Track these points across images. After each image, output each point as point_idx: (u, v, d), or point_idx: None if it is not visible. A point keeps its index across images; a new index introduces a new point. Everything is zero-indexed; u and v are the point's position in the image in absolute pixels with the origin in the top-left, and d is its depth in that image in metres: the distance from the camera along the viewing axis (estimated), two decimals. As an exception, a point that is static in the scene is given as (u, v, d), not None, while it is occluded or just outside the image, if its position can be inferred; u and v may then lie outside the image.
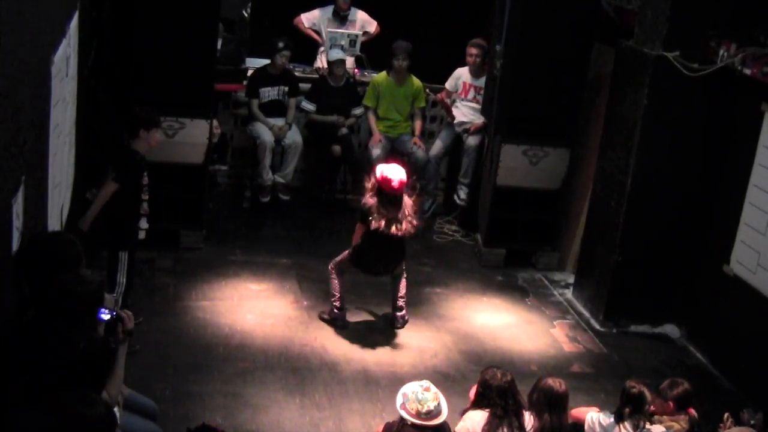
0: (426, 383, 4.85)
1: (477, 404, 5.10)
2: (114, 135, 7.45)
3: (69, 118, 5.74)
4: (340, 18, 10.18)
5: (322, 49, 10.17)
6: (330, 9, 10.22)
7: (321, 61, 10.11)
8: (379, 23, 10.29)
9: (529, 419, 5.14)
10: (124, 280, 6.60)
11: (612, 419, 5.26)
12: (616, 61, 8.03)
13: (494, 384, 5.04)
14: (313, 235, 9.19)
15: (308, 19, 10.27)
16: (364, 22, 10.27)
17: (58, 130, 5.12)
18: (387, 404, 6.25)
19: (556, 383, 5.19)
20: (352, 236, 7.29)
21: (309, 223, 9.44)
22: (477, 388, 5.16)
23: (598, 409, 5.51)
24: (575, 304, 8.36)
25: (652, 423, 5.29)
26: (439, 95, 9.96)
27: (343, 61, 9.54)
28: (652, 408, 5.56)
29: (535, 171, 8.89)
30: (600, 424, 5.30)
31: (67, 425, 3.39)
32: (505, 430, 4.96)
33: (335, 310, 7.40)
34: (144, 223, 6.73)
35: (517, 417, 5.03)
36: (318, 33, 10.22)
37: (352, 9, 10.24)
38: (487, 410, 5.02)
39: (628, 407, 5.22)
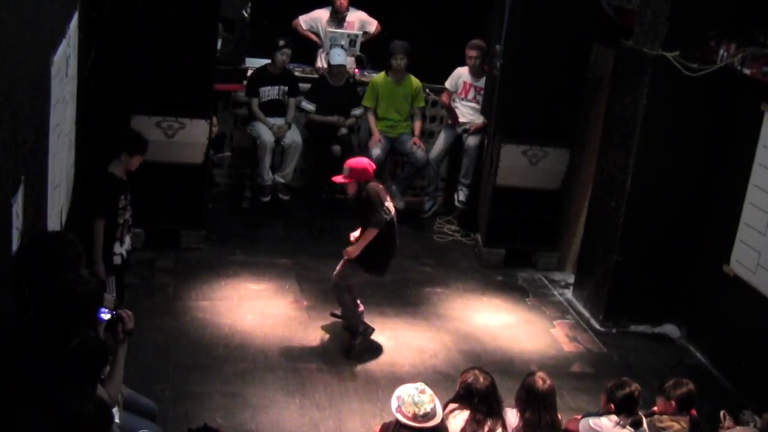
0: (421, 385, 4.76)
1: (456, 402, 5.04)
2: (112, 139, 7.43)
3: (69, 118, 5.74)
4: (339, 18, 10.16)
5: (321, 50, 10.16)
6: (328, 9, 10.20)
7: (321, 62, 10.10)
8: (379, 23, 10.26)
9: (516, 416, 5.09)
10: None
11: (611, 423, 5.20)
12: (616, 61, 8.03)
13: (476, 387, 4.96)
14: (313, 235, 9.19)
15: (305, 21, 10.20)
16: (363, 22, 10.23)
17: (58, 130, 5.11)
18: (387, 404, 6.16)
19: (539, 381, 5.06)
20: (357, 243, 6.92)
21: (309, 223, 9.44)
22: (458, 389, 5.08)
23: (579, 417, 5.46)
24: (575, 304, 8.36)
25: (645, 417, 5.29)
26: (441, 98, 9.95)
27: (344, 65, 9.54)
28: (655, 408, 5.56)
29: (535, 171, 8.89)
30: (598, 427, 5.24)
31: (57, 423, 3.39)
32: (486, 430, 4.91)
33: (364, 330, 7.08)
34: (118, 248, 6.40)
35: (498, 417, 4.96)
36: (316, 34, 10.19)
37: (351, 9, 10.21)
38: (468, 411, 4.96)
39: (625, 411, 5.19)
